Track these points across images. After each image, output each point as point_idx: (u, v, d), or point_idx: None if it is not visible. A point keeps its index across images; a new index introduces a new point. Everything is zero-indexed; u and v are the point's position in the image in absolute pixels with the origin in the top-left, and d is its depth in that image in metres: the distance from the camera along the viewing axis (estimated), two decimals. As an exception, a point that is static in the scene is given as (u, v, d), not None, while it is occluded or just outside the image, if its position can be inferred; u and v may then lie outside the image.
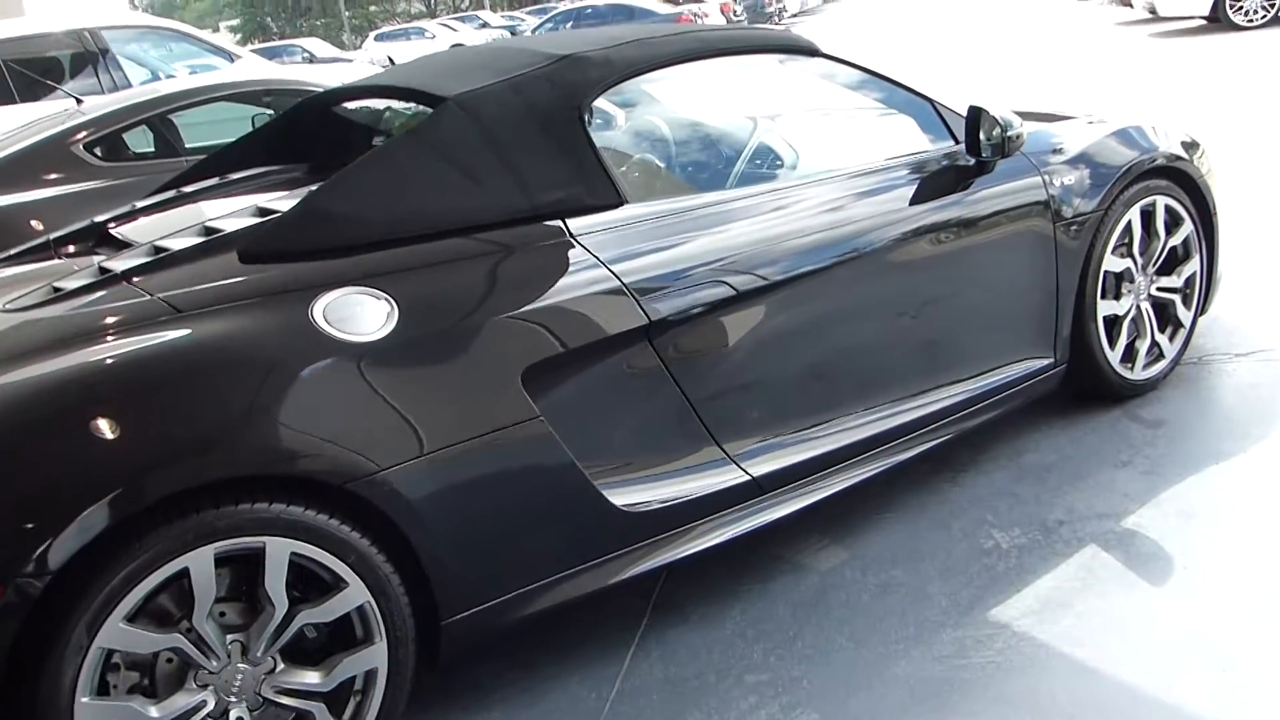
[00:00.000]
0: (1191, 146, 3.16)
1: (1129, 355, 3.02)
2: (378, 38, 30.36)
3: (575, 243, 2.12)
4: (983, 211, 2.67)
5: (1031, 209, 2.74)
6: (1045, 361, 2.84)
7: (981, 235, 2.67)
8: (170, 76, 7.99)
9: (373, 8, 46.92)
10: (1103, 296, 2.92)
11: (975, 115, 2.60)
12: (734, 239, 2.30)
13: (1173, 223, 3.07)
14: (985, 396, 2.71)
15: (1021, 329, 2.80)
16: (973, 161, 2.67)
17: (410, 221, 2.04)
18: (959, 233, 2.63)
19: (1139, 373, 3.03)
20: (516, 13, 39.46)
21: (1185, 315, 3.13)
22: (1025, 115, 3.32)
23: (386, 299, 1.93)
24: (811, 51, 2.63)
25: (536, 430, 2.00)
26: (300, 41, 27.31)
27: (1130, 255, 2.96)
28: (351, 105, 2.98)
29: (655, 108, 2.78)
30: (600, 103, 2.68)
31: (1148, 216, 3.00)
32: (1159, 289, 3.07)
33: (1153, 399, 3.05)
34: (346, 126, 2.91)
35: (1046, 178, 2.77)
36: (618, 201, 2.21)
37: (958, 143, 2.72)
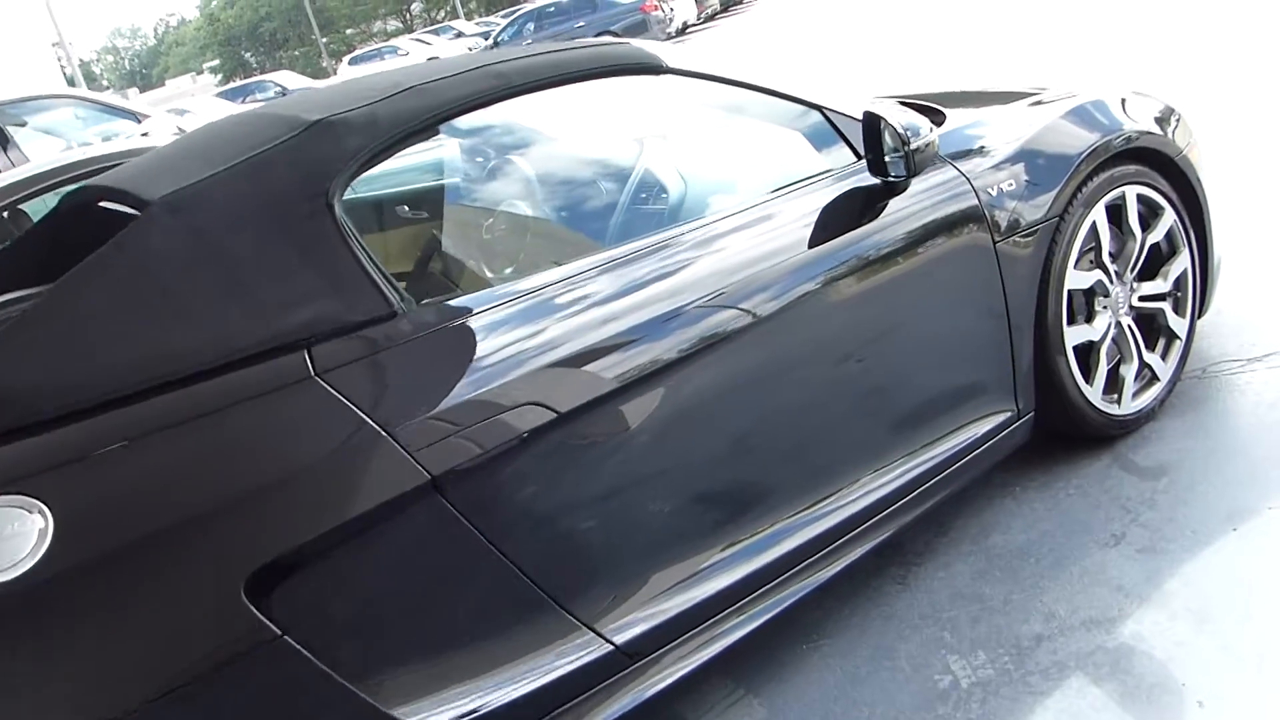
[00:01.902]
0: (1165, 117, 2.57)
1: (1113, 386, 2.44)
2: (351, 62, 29.92)
3: (319, 382, 1.57)
4: (901, 242, 2.09)
5: (962, 228, 2.16)
6: (1005, 415, 2.26)
7: (903, 272, 2.10)
8: (85, 144, 7.54)
9: (349, 30, 46.33)
10: (1070, 321, 2.34)
11: (873, 125, 2.03)
12: (560, 334, 1.75)
13: (1150, 215, 2.48)
14: (932, 474, 2.14)
15: (970, 380, 2.23)
16: (879, 181, 2.10)
17: (84, 386, 1.50)
18: (874, 273, 2.06)
19: (1128, 405, 2.44)
20: (492, 18, 38.92)
21: (1179, 324, 2.54)
22: (953, 98, 2.76)
23: (39, 509, 1.39)
24: (655, 68, 2.06)
25: (278, 652, 1.46)
26: (272, 77, 26.91)
27: (1100, 264, 2.38)
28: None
29: (461, 168, 2.22)
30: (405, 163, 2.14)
31: (1116, 213, 2.41)
32: (1143, 298, 2.49)
33: (1150, 435, 2.46)
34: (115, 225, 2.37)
35: (979, 185, 2.19)
36: (387, 312, 1.66)
37: (860, 158, 2.14)
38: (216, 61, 53.01)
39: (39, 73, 19.54)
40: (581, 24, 17.68)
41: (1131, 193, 2.40)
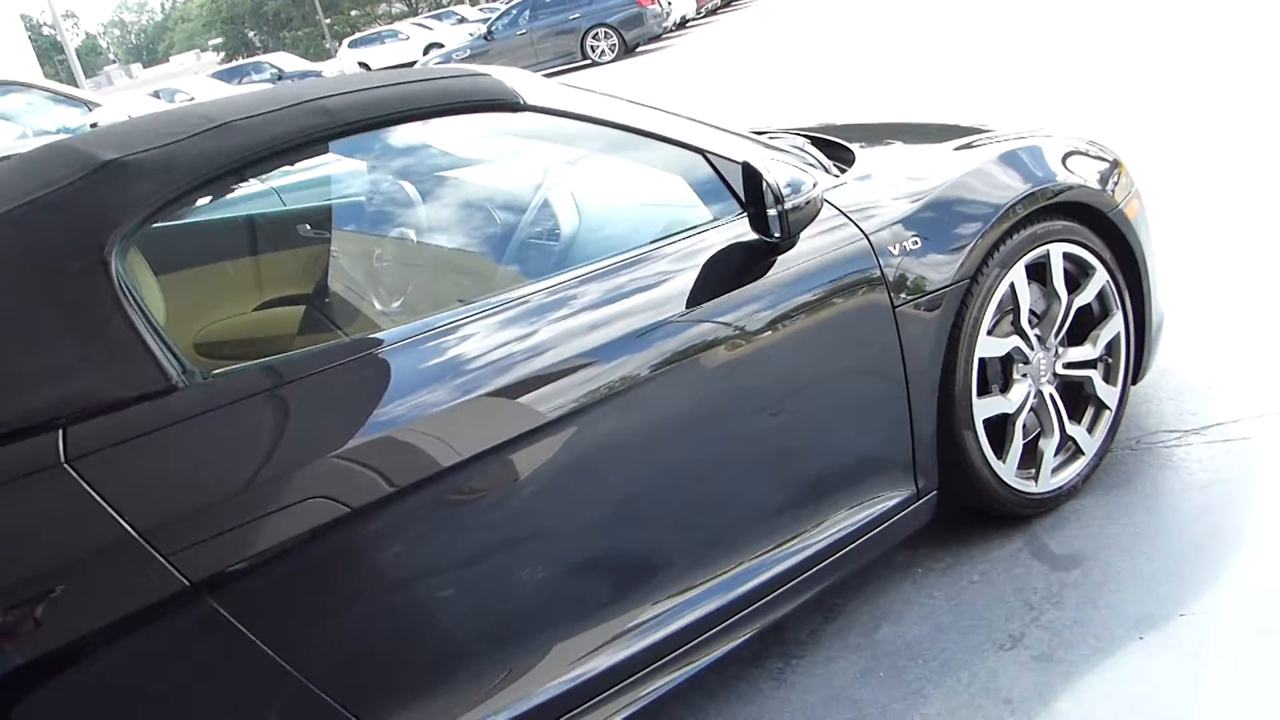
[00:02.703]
0: (1106, 168, 2.36)
1: (1030, 460, 2.24)
2: (351, 44, 29.62)
3: (68, 470, 1.37)
4: (785, 304, 1.88)
5: (856, 290, 1.95)
6: (903, 494, 2.06)
7: (788, 336, 1.88)
8: (43, 133, 7.34)
9: (354, 12, 45.90)
10: (982, 393, 2.14)
11: (752, 179, 1.82)
12: (380, 409, 1.54)
13: (1080, 274, 2.27)
14: (823, 556, 1.94)
15: (865, 456, 2.03)
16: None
17: None
18: (754, 338, 1.85)
19: (1046, 483, 2.24)
20: (496, 2, 38.57)
21: (1109, 393, 2.34)
22: (876, 132, 2.56)
23: None
24: (511, 105, 1.85)
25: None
26: (269, 58, 26.62)
27: (1019, 329, 2.18)
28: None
29: (275, 215, 2.02)
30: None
31: (1041, 271, 2.21)
32: (1068, 365, 2.28)
33: (1069, 516, 2.26)
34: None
35: (878, 243, 1.98)
36: (163, 386, 1.45)
37: (745, 209, 1.94)
38: (220, 39, 52.65)
39: (8, 51, 19.22)
40: (577, 15, 17.39)
41: (1057, 251, 2.19)
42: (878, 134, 2.68)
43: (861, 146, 2.36)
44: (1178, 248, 3.41)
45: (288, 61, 25.78)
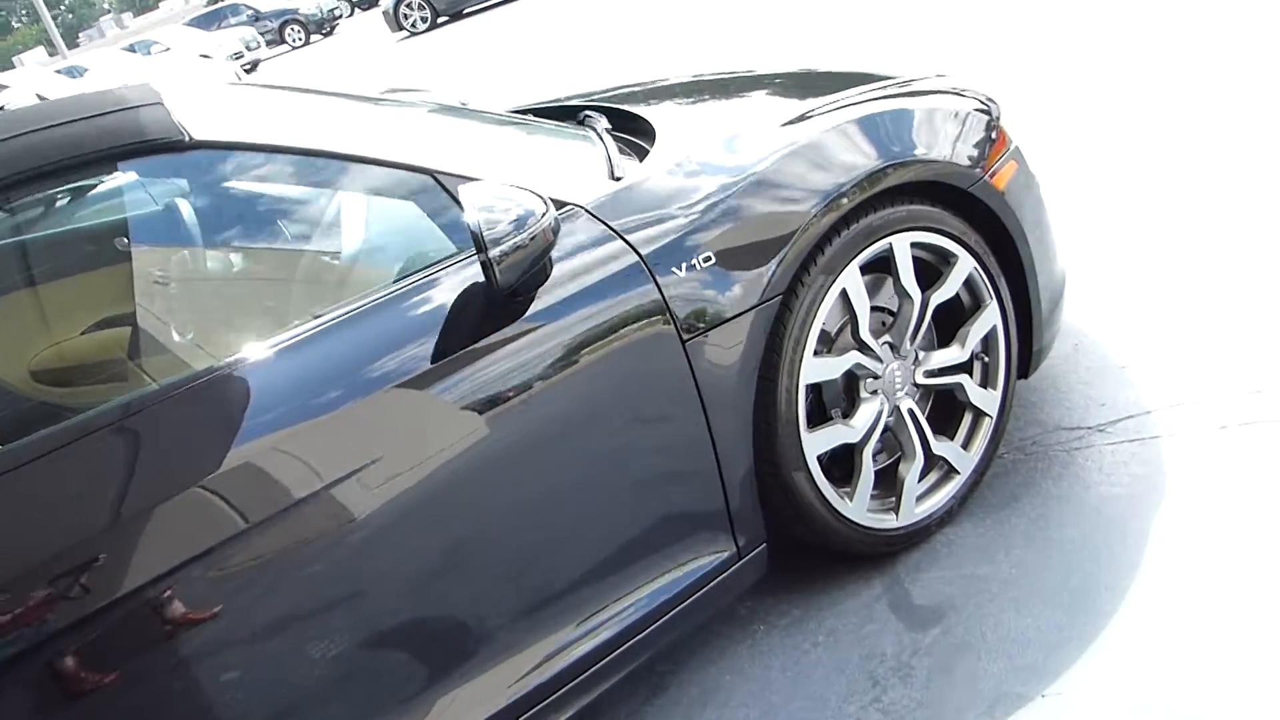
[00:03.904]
0: (974, 127, 1.96)
1: (889, 489, 1.89)
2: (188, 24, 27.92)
3: None
4: (544, 356, 1.53)
5: (634, 325, 1.58)
6: (722, 554, 1.73)
7: (556, 393, 1.53)
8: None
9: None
10: (815, 423, 1.78)
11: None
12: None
13: (942, 262, 1.90)
14: (628, 635, 1.63)
15: (670, 517, 1.68)
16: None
17: None
18: (513, 402, 1.50)
19: (910, 515, 1.90)
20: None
21: (988, 398, 1.97)
22: (702, 91, 2.17)
23: None
24: (174, 144, 1.47)
25: None
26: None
27: (860, 342, 1.81)
28: None
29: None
30: None
31: (884, 265, 1.84)
32: (932, 373, 1.92)
33: (940, 549, 1.92)
34: None
35: (658, 264, 1.60)
36: None
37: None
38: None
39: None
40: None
41: (902, 243, 1.81)
42: (697, 92, 2.29)
43: (670, 122, 1.98)
44: (1110, 211, 3.00)
45: (265, 1, 24.94)
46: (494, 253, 1.39)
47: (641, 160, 1.83)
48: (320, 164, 1.57)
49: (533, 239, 1.43)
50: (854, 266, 1.76)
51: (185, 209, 1.63)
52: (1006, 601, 1.75)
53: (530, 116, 2.34)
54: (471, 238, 1.39)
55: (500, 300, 1.51)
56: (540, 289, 1.53)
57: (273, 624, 1.39)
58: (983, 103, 2.05)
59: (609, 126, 2.05)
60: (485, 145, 1.82)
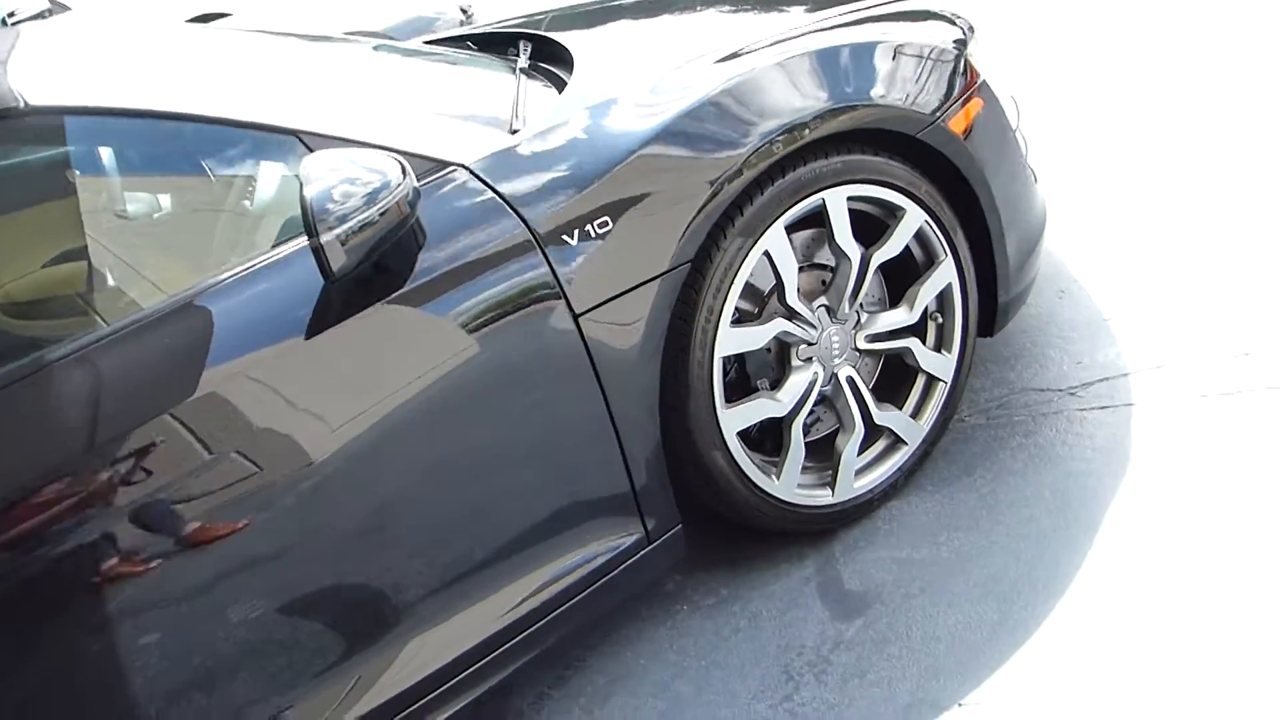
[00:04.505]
0: (939, 59, 1.74)
1: (827, 461, 1.75)
2: None
3: None
4: (422, 338, 1.40)
5: (519, 302, 1.43)
6: (631, 537, 1.61)
7: (449, 376, 1.41)
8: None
9: None
10: (735, 398, 1.64)
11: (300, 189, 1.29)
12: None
13: (888, 216, 1.71)
14: (532, 619, 1.53)
15: (572, 502, 1.56)
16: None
17: None
18: (390, 380, 1.39)
19: (847, 490, 1.76)
20: None
21: (941, 363, 1.80)
22: (627, 11, 1.98)
23: None
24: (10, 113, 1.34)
25: None
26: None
27: (788, 307, 1.65)
28: None
29: None
30: None
31: (817, 221, 1.66)
32: (874, 337, 1.75)
33: (880, 526, 1.78)
34: None
35: (547, 234, 1.45)
36: None
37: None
38: None
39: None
40: None
41: (837, 198, 1.63)
42: (660, 11, 2.09)
43: (592, 57, 1.79)
44: (1118, 161, 2.73)
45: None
46: (326, 238, 1.24)
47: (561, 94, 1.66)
48: (187, 129, 1.43)
49: (383, 214, 1.28)
50: (778, 226, 1.58)
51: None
52: (939, 593, 1.61)
53: (463, 48, 2.16)
54: (302, 218, 1.25)
55: (339, 288, 1.36)
56: (410, 264, 1.39)
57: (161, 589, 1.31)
58: (960, 33, 1.82)
59: (530, 60, 1.87)
60: (381, 94, 1.65)
